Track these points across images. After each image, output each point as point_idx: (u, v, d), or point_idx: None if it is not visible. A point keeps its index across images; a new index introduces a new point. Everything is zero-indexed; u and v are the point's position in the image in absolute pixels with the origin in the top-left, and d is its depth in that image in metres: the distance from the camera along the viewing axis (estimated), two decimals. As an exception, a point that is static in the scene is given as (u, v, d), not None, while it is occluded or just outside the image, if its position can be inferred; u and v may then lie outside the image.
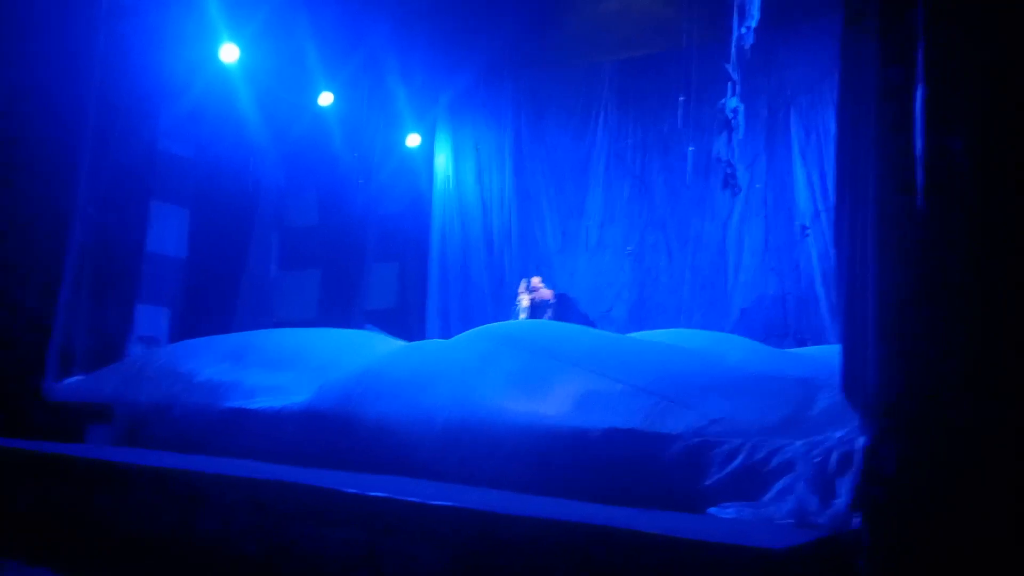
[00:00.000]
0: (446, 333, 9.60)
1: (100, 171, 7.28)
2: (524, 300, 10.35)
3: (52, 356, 6.63)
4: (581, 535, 3.14)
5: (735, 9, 8.15)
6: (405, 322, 11.95)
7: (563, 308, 10.40)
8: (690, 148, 9.94)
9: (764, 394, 4.15)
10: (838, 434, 3.55)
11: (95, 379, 6.66)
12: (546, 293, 10.42)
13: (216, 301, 10.22)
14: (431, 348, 5.81)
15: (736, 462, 3.74)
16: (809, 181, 9.52)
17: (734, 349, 5.67)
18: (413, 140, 12.39)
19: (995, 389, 2.91)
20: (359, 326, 11.03)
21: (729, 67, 8.53)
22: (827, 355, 5.51)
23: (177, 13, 9.05)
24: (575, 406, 4.35)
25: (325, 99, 11.29)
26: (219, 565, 4.10)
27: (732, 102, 8.73)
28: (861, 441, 3.34)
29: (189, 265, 10.71)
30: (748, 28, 8.17)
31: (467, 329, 7.81)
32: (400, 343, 6.80)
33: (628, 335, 6.53)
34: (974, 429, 2.91)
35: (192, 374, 6.20)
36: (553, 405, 4.43)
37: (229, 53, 9.90)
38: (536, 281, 10.57)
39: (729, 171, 8.59)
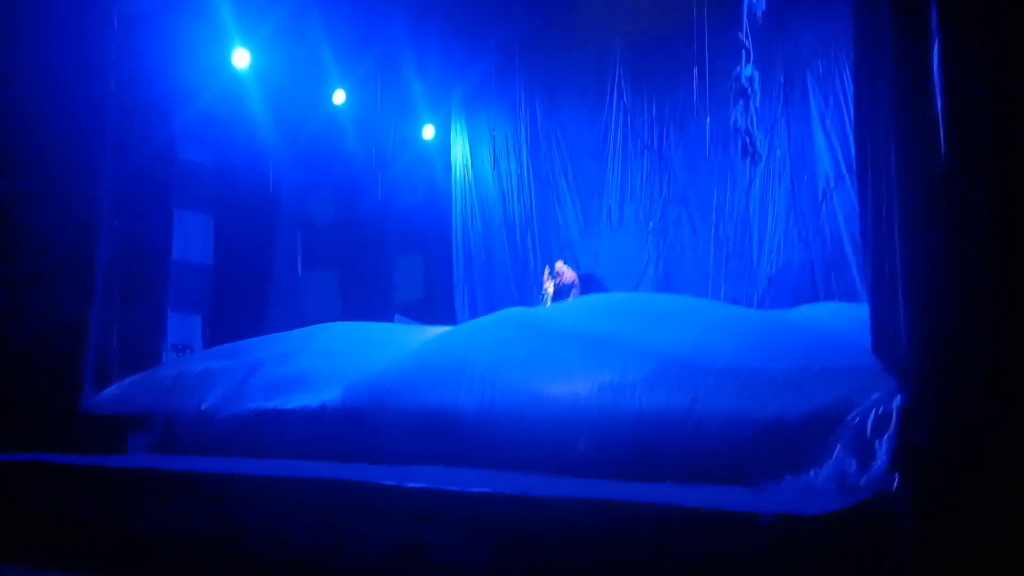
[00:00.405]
0: (475, 321, 9.60)
1: (121, 179, 7.33)
2: (549, 287, 10.28)
3: (88, 370, 6.71)
4: (624, 513, 3.15)
5: (745, -24, 8.05)
6: (433, 313, 11.97)
7: (588, 289, 10.35)
8: (707, 119, 9.85)
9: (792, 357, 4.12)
10: (873, 396, 3.52)
11: (131, 389, 6.73)
12: (569, 276, 10.35)
13: (246, 304, 10.28)
14: (458, 335, 5.80)
15: (775, 430, 3.72)
16: (830, 144, 9.38)
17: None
18: (428, 132, 12.38)
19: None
20: (387, 320, 11.08)
21: (742, 35, 8.43)
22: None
23: (188, 20, 9.08)
24: (602, 388, 4.33)
25: (339, 96, 11.31)
26: (268, 564, 4.15)
27: (747, 70, 8.62)
28: (896, 401, 3.32)
29: (217, 270, 10.78)
30: (759, -6, 8.07)
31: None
32: (432, 329, 6.81)
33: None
34: (1011, 386, 2.88)
35: (226, 378, 6.25)
36: (580, 387, 4.42)
37: (241, 57, 9.93)
38: (559, 265, 10.50)
39: (748, 140, 8.49)
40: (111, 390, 6.82)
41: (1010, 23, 2.99)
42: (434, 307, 12.34)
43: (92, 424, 6.29)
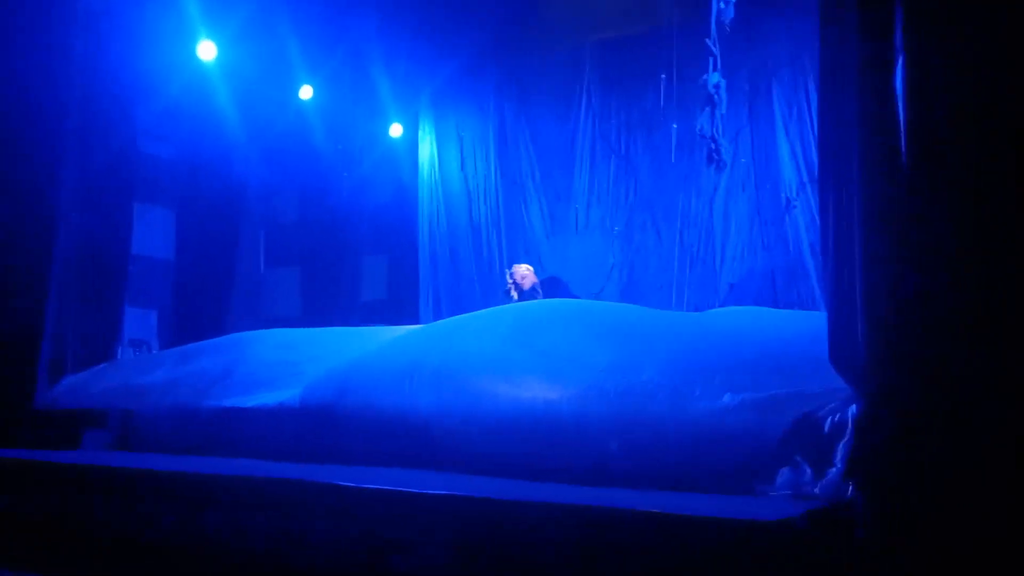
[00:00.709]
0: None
1: (82, 173, 7.23)
2: (515, 293, 10.18)
3: (43, 364, 6.62)
4: (579, 517, 3.16)
5: (714, -17, 8.11)
6: (399, 313, 11.92)
7: (553, 292, 10.33)
8: (674, 125, 9.90)
9: (758, 370, 4.15)
10: (830, 404, 3.56)
11: (86, 385, 6.64)
12: (530, 280, 10.13)
13: (206, 301, 10.18)
14: (415, 337, 5.79)
15: (731, 438, 3.75)
16: (793, 153, 9.47)
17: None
18: (396, 131, 12.33)
19: (985, 358, 2.92)
20: (349, 321, 11.00)
21: (710, 42, 8.50)
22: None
23: (153, 10, 8.97)
24: (558, 395, 4.35)
25: (306, 93, 11.22)
26: (223, 566, 4.11)
27: (714, 77, 8.68)
28: (852, 410, 3.36)
29: (177, 266, 10.66)
30: (727, 2, 8.14)
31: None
32: (393, 330, 6.78)
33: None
34: (967, 396, 2.92)
35: (185, 376, 6.19)
36: (535, 392, 4.44)
37: (207, 51, 9.83)
38: (521, 269, 10.25)
39: (713, 147, 8.55)
40: (65, 386, 6.73)
41: (974, 39, 3.05)
42: (399, 307, 12.29)
43: (45, 420, 6.20)
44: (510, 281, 10.11)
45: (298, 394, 5.36)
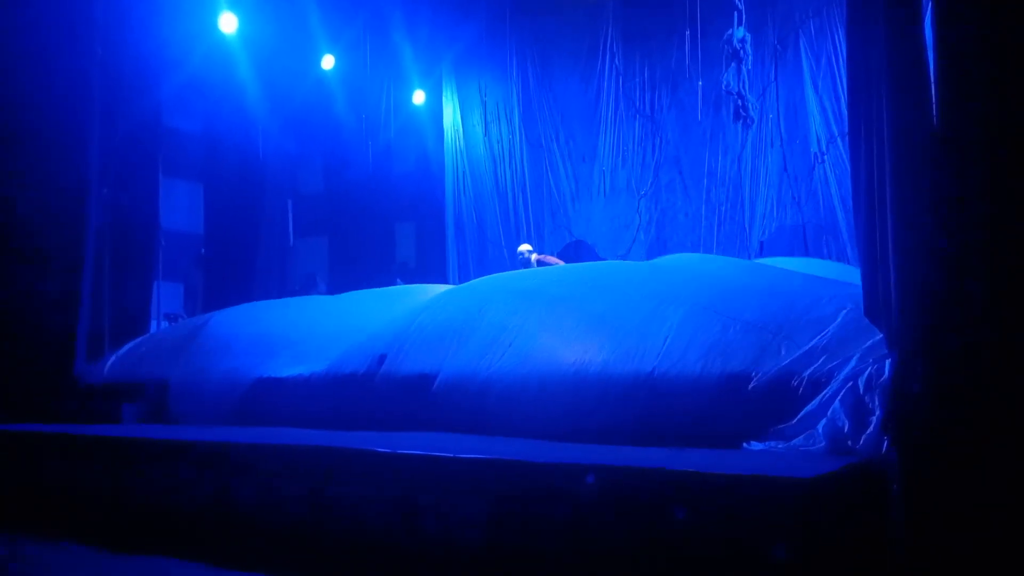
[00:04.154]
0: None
1: (108, 148, 7.26)
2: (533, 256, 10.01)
3: (81, 341, 6.70)
4: (614, 477, 3.15)
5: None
6: (427, 279, 11.95)
7: (579, 254, 10.27)
8: (699, 82, 9.78)
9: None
10: (866, 359, 3.52)
11: (123, 359, 6.72)
12: (551, 260, 9.96)
13: (236, 273, 10.27)
14: (445, 301, 5.78)
15: (769, 393, 3.73)
16: (822, 106, 9.33)
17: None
18: (419, 97, 12.28)
19: (1019, 311, 2.87)
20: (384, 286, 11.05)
21: (734, -5, 8.36)
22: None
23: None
24: (591, 353, 4.33)
25: (328, 62, 11.20)
26: (260, 532, 4.17)
27: (739, 32, 8.56)
28: (888, 365, 3.33)
29: (207, 239, 10.75)
30: (751, -46, 7.99)
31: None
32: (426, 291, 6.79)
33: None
34: (1001, 350, 2.88)
35: (218, 347, 6.25)
36: (567, 352, 4.43)
37: (228, 22, 9.81)
38: (532, 255, 9.96)
39: (740, 103, 8.44)
40: (104, 361, 6.81)
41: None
42: (427, 273, 12.32)
43: (86, 395, 6.30)
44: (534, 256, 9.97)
45: (331, 362, 5.39)
